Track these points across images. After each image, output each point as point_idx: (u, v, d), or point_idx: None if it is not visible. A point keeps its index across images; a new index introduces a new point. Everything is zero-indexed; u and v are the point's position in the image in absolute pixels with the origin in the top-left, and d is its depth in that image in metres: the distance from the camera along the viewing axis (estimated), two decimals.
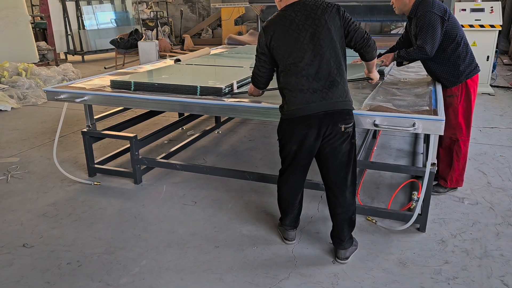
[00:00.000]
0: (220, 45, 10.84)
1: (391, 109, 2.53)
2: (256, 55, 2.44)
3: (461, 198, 3.26)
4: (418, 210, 2.62)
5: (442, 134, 2.35)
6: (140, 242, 2.71)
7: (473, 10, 6.75)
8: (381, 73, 3.49)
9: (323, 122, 2.24)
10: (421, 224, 2.77)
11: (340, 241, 2.49)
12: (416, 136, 4.65)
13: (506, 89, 7.07)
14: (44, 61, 9.87)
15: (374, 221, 2.89)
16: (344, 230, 2.48)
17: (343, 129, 2.26)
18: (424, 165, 3.08)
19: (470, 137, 3.26)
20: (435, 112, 2.44)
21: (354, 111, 2.39)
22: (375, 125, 2.40)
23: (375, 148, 4.22)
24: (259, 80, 2.52)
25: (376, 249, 2.62)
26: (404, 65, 3.20)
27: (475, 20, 6.65)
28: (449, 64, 3.03)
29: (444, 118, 2.31)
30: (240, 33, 11.79)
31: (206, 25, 14.44)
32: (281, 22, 2.30)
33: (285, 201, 2.64)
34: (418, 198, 2.80)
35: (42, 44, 10.13)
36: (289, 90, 2.30)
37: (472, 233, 2.78)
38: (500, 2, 6.78)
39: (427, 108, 2.56)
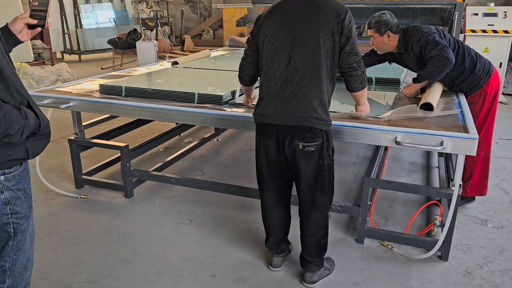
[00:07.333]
0: (221, 46, 10.56)
1: (419, 116, 2.26)
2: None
3: (483, 220, 2.96)
4: (442, 238, 2.31)
5: (475, 154, 2.05)
6: (127, 269, 2.40)
7: (485, 14, 6.46)
8: (398, 81, 3.20)
9: (281, 133, 2.01)
10: (443, 252, 2.47)
11: (307, 262, 2.25)
12: None
13: None
14: (39, 60, 9.57)
15: (390, 247, 2.59)
16: (312, 252, 2.24)
17: (300, 147, 1.98)
18: (447, 185, 2.79)
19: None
20: (465, 129, 2.14)
21: (372, 126, 2.10)
22: (397, 143, 2.10)
23: (386, 161, 3.92)
24: (242, 70, 2.24)
25: (393, 280, 2.32)
26: (428, 88, 2.80)
27: (488, 25, 6.37)
28: (465, 70, 2.81)
29: (477, 136, 2.01)
30: (242, 35, 11.51)
31: (207, 26, 14.15)
32: (273, 12, 2.06)
33: (264, 221, 2.37)
34: (441, 222, 2.52)
35: (38, 42, 9.83)
36: (260, 92, 2.08)
37: (501, 263, 2.48)
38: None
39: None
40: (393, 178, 3.65)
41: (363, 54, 3.11)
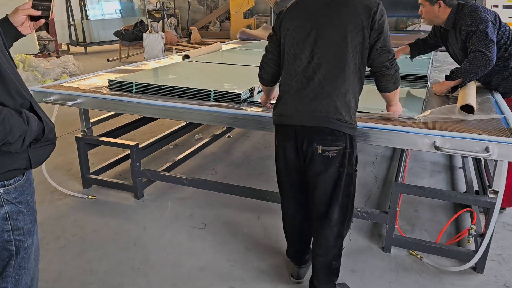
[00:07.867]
0: (229, 38, 10.32)
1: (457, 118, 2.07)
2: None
3: None
4: (482, 250, 2.13)
5: None
6: (140, 279, 2.25)
7: (506, 7, 6.22)
8: (425, 78, 3.00)
9: (299, 135, 1.83)
10: (478, 263, 2.29)
11: (314, 287, 2.03)
12: None
13: None
14: (44, 52, 9.41)
15: (419, 256, 2.42)
16: (320, 276, 2.01)
17: (319, 151, 1.78)
18: (481, 191, 2.60)
19: None
20: (511, 133, 1.95)
21: (407, 129, 1.92)
22: (436, 148, 1.91)
23: (407, 161, 3.73)
24: (262, 68, 2.06)
25: None
26: (461, 87, 2.59)
27: (509, 18, 6.12)
28: (507, 68, 2.60)
29: None
30: (249, 27, 11.27)
31: (214, 18, 13.91)
32: (295, 5, 1.89)
33: (284, 229, 2.20)
34: (476, 232, 2.34)
35: (43, 34, 9.65)
36: (280, 90, 1.92)
37: None
38: None
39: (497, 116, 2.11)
40: (415, 179, 3.47)
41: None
